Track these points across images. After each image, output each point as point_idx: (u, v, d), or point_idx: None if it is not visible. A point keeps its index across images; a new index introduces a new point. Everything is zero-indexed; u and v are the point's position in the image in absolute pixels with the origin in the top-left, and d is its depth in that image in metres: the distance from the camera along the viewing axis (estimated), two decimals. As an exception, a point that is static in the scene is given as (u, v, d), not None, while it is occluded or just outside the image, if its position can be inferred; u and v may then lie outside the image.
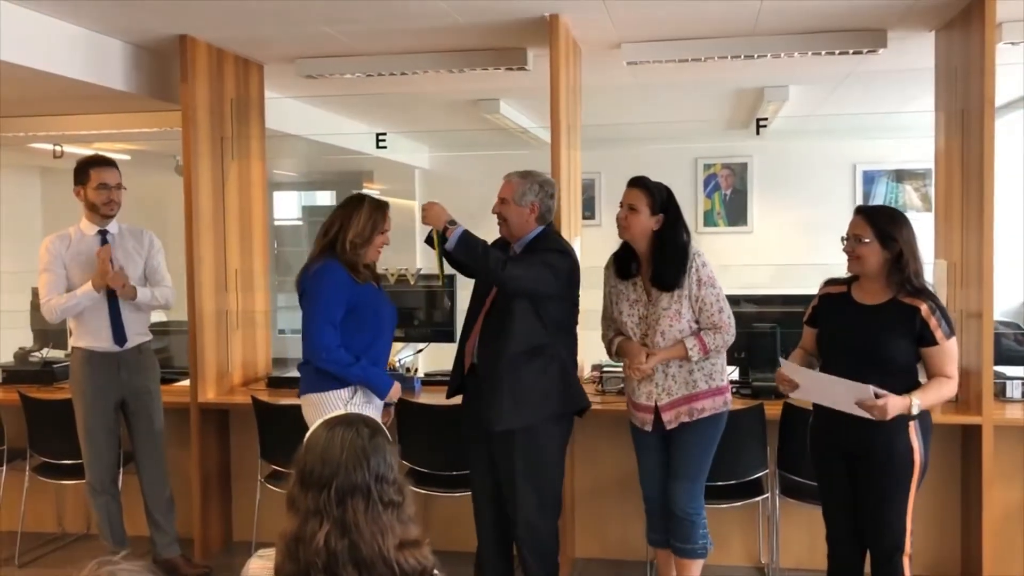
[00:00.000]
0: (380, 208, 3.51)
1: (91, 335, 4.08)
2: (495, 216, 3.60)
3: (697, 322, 3.39)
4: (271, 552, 1.77)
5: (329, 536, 1.64)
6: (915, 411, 2.97)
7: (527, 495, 3.46)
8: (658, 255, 3.40)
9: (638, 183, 3.44)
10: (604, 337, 3.63)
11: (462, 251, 3.38)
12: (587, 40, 4.57)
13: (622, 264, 3.53)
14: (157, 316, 6.36)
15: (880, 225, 3.06)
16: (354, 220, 3.44)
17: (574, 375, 3.56)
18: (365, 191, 3.60)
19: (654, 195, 3.39)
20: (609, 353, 3.67)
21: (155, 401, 4.24)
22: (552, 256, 3.46)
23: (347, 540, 1.65)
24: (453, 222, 3.40)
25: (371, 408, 3.45)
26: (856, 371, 3.03)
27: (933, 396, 3.06)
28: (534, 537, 3.52)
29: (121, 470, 4.27)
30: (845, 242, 3.14)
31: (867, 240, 3.05)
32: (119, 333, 4.08)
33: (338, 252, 3.43)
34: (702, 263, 3.39)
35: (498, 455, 3.50)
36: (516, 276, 3.37)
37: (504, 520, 3.60)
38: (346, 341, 3.41)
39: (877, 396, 2.92)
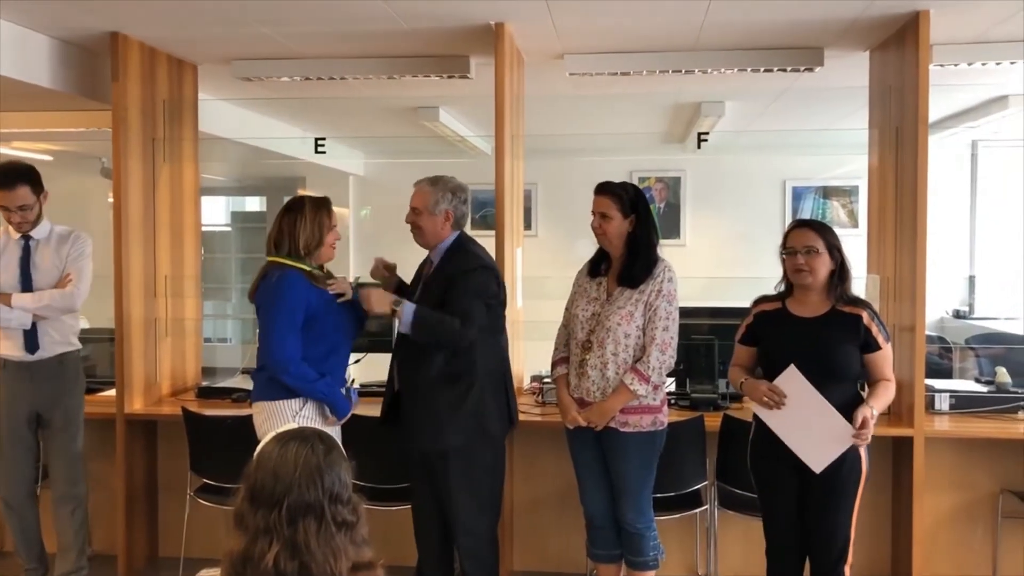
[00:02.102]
0: (323, 206, 3.40)
1: (5, 342, 3.87)
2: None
3: (643, 332, 3.38)
4: (215, 572, 1.69)
5: (279, 557, 1.57)
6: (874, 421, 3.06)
7: (465, 502, 3.43)
8: (630, 254, 3.40)
9: (604, 189, 3.42)
10: (555, 348, 3.61)
11: (418, 332, 3.30)
12: (531, 50, 4.55)
13: (594, 264, 3.54)
14: (80, 323, 6.14)
15: (827, 237, 3.14)
16: (300, 225, 3.33)
17: (493, 398, 3.46)
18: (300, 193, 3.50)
19: (622, 198, 3.39)
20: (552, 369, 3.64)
21: (71, 415, 3.97)
22: (478, 279, 3.40)
23: (297, 562, 1.57)
24: (399, 302, 3.32)
25: (321, 421, 3.35)
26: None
27: (884, 401, 3.14)
28: (473, 541, 3.48)
29: (39, 484, 4.07)
30: (794, 256, 3.14)
31: (820, 251, 3.11)
32: (31, 341, 3.85)
33: (293, 260, 3.33)
34: (669, 278, 3.39)
35: (434, 469, 3.46)
36: (470, 331, 3.32)
37: (446, 533, 3.56)
38: (303, 351, 3.31)
39: (857, 422, 3.02)
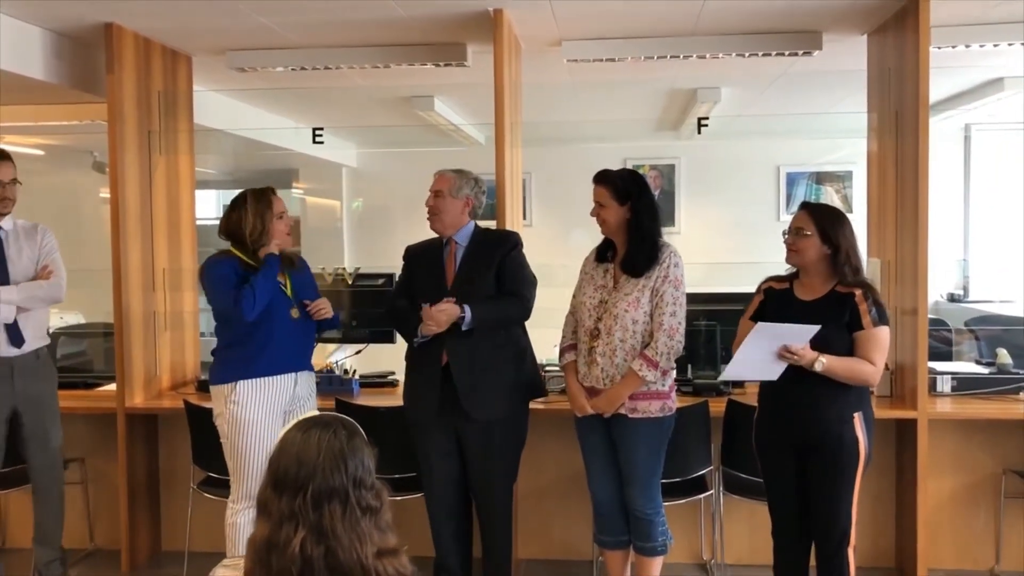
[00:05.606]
0: (262, 196, 3.50)
1: None
2: (426, 210, 3.62)
3: (651, 318, 3.37)
4: (238, 562, 1.67)
5: (305, 542, 1.55)
6: (818, 367, 3.03)
7: (505, 470, 3.60)
8: (631, 242, 3.41)
9: (600, 178, 3.44)
10: (563, 335, 3.61)
11: (485, 323, 3.45)
12: (528, 37, 4.53)
13: (601, 250, 3.55)
14: (75, 318, 6.10)
15: (822, 222, 3.14)
16: (244, 219, 3.46)
17: (534, 359, 3.71)
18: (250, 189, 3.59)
19: (617, 186, 3.39)
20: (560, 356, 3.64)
21: (50, 413, 3.92)
22: (522, 252, 3.64)
23: (323, 547, 1.56)
24: (461, 317, 3.43)
25: (256, 406, 3.41)
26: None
27: (844, 366, 3.06)
28: (503, 508, 3.62)
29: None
30: (786, 235, 3.20)
31: (808, 233, 3.14)
32: (15, 334, 3.75)
33: (243, 250, 3.48)
34: (674, 263, 3.39)
35: (481, 440, 3.51)
36: (532, 301, 3.58)
37: (464, 519, 3.64)
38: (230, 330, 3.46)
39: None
